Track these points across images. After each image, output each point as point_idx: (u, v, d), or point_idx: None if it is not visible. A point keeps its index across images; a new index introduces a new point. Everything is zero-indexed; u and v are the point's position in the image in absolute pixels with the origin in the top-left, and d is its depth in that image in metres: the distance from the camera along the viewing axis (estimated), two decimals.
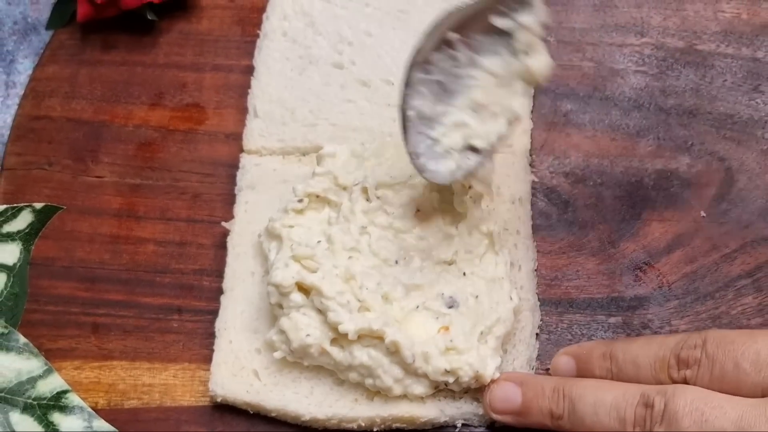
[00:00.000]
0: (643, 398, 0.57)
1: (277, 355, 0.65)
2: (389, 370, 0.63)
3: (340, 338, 0.64)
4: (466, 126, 0.64)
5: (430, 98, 0.64)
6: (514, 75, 0.64)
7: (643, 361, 0.60)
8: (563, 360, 0.65)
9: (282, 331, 0.65)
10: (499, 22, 0.63)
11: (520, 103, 0.64)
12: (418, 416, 0.64)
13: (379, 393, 0.65)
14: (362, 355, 0.63)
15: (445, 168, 0.64)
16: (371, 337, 0.63)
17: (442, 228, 0.67)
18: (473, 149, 0.65)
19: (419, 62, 0.63)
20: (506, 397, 0.63)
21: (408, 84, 0.63)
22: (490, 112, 0.64)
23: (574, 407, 0.59)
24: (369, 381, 0.64)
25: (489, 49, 0.64)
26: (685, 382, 0.57)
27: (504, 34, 0.63)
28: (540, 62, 0.63)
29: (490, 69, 0.64)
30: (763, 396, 0.54)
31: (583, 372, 0.63)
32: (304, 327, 0.64)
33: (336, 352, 0.64)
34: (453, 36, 0.63)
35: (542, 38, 0.63)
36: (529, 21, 0.63)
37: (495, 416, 0.63)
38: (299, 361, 0.66)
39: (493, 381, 0.63)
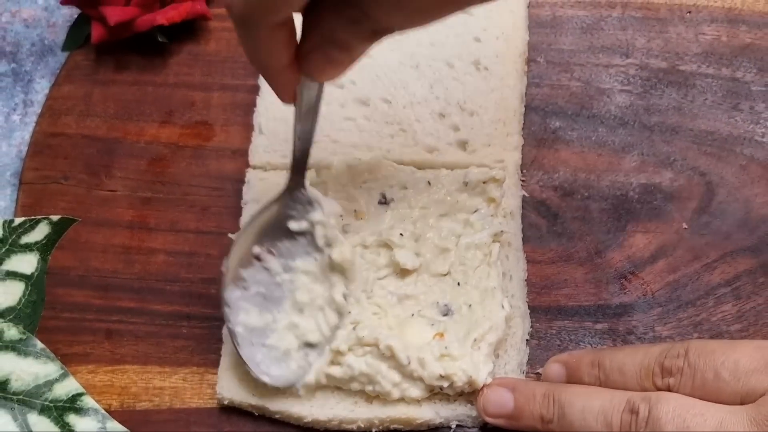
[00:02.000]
0: (628, 404, 0.57)
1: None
2: (387, 375, 0.64)
3: (335, 356, 0.65)
4: (296, 327, 0.65)
5: (255, 311, 0.66)
6: (325, 268, 0.66)
7: (629, 369, 0.60)
8: (554, 367, 0.65)
9: None
10: (294, 225, 0.66)
11: (340, 292, 0.65)
12: (414, 418, 0.65)
13: (377, 396, 0.65)
14: (360, 364, 0.64)
15: (288, 370, 0.65)
16: (367, 345, 0.64)
17: (438, 243, 0.68)
18: (310, 345, 0.65)
19: (232, 281, 0.65)
20: (499, 401, 0.63)
21: (227, 305, 0.65)
22: (316, 306, 0.66)
23: (563, 412, 0.60)
24: (369, 387, 0.64)
25: (297, 251, 0.66)
26: (669, 389, 0.58)
27: (306, 234, 0.66)
28: (340, 252, 0.65)
29: (304, 269, 0.66)
30: (741, 404, 0.55)
31: (572, 379, 0.64)
32: None
33: (337, 371, 0.64)
34: (258, 250, 0.66)
35: (337, 229, 0.66)
36: (321, 217, 0.65)
37: (488, 419, 0.64)
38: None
39: (485, 385, 0.64)
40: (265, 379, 0.65)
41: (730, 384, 0.56)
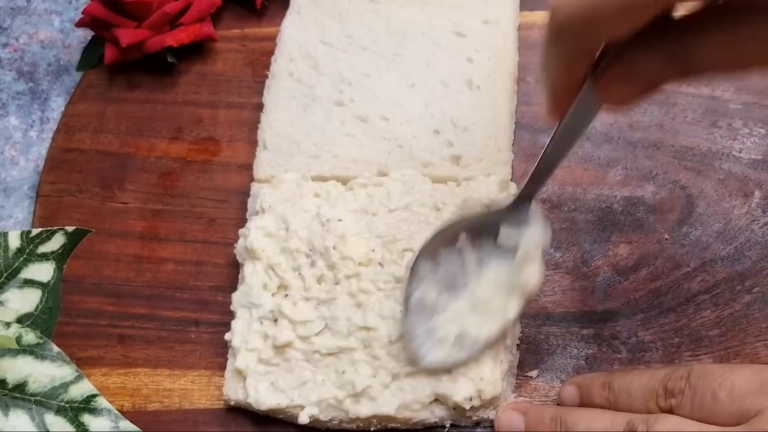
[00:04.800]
0: (628, 426, 0.57)
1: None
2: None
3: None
4: (463, 320, 0.63)
5: (434, 290, 0.64)
6: (513, 284, 0.63)
7: (635, 391, 0.61)
8: (569, 389, 0.65)
9: None
10: (503, 238, 0.63)
11: (513, 311, 0.63)
12: (410, 417, 0.65)
13: None
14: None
15: (434, 357, 0.63)
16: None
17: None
18: (462, 340, 0.63)
19: (428, 253, 0.64)
20: (511, 424, 0.64)
21: (414, 272, 0.64)
22: (488, 311, 0.63)
23: None
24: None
25: (495, 256, 0.64)
26: (671, 410, 0.58)
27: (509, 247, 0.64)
28: (531, 275, 0.63)
29: (495, 275, 0.63)
30: (737, 424, 0.55)
31: (585, 400, 0.64)
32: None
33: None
34: (464, 240, 0.64)
35: (539, 255, 0.63)
36: (530, 239, 0.63)
37: None
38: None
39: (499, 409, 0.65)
40: (419, 354, 0.63)
41: (726, 405, 0.56)
